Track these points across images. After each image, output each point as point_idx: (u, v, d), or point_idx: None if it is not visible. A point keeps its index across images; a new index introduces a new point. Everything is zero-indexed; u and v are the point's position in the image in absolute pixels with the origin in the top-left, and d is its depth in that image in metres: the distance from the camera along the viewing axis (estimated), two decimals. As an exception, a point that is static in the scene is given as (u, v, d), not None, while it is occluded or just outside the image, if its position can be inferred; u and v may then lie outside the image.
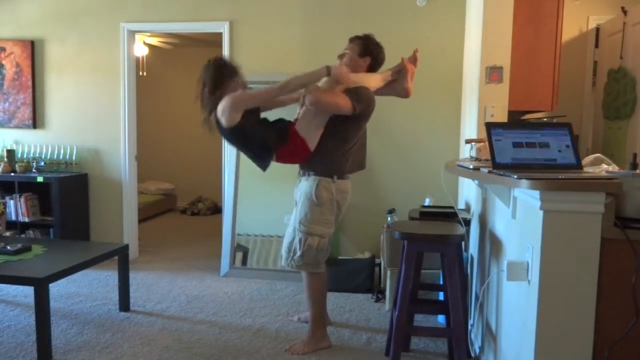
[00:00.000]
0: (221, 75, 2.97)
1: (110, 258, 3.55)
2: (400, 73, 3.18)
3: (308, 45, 4.50)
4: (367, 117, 3.04)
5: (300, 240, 3.02)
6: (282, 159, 3.05)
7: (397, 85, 3.20)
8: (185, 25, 4.75)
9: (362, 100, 2.92)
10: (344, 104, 2.88)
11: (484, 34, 3.20)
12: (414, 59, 3.21)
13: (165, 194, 7.53)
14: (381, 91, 3.17)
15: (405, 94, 3.22)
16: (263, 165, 3.05)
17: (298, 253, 3.02)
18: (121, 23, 4.75)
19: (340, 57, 3.13)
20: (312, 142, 2.97)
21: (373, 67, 3.13)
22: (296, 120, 3.03)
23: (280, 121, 3.08)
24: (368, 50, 3.09)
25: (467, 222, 3.27)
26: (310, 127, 2.96)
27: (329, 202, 3.02)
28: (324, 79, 2.96)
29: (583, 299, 1.75)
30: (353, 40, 3.13)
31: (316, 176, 3.01)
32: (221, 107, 2.88)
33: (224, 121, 2.88)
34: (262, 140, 2.97)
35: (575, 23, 4.47)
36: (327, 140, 2.98)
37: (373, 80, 3.07)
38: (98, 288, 4.11)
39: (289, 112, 3.16)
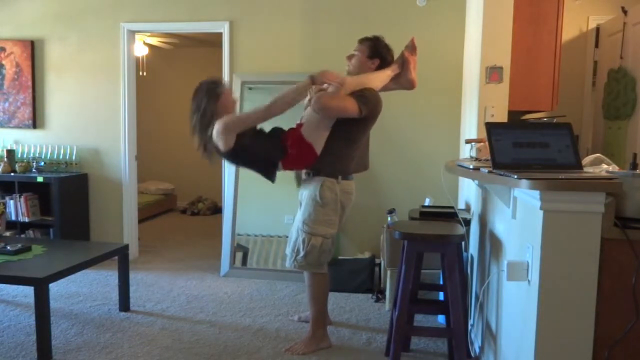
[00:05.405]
0: (208, 98, 2.93)
1: (110, 258, 3.55)
2: (403, 65, 3.19)
3: (308, 45, 4.49)
4: (374, 119, 3.04)
5: (303, 241, 3.02)
6: (290, 166, 3.05)
7: (401, 79, 3.22)
8: (185, 25, 4.75)
9: (369, 102, 2.92)
10: (351, 107, 2.87)
11: (484, 34, 3.20)
12: (412, 48, 3.20)
13: (165, 194, 7.53)
14: (387, 86, 3.18)
15: (410, 85, 3.24)
16: (271, 178, 3.05)
17: (301, 253, 3.02)
18: (121, 23, 4.75)
19: (349, 57, 3.13)
20: (319, 146, 2.96)
21: (381, 69, 3.13)
22: (299, 125, 3.03)
23: (274, 131, 3.06)
24: (377, 52, 3.09)
25: (467, 222, 3.27)
26: (317, 131, 2.95)
27: (333, 202, 3.01)
28: (329, 87, 2.95)
29: (583, 299, 1.75)
30: (362, 41, 3.13)
31: (321, 177, 3.01)
32: (215, 132, 2.87)
33: (220, 146, 2.89)
34: (264, 155, 2.99)
35: (575, 23, 4.47)
36: (334, 141, 2.98)
37: (376, 80, 3.06)
38: (98, 288, 4.11)
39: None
